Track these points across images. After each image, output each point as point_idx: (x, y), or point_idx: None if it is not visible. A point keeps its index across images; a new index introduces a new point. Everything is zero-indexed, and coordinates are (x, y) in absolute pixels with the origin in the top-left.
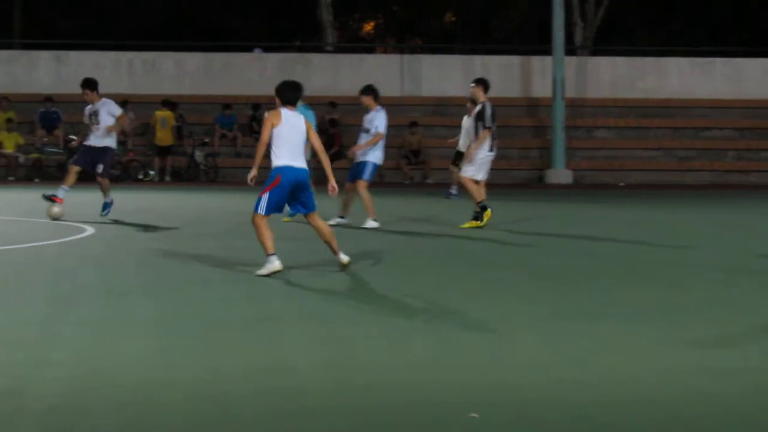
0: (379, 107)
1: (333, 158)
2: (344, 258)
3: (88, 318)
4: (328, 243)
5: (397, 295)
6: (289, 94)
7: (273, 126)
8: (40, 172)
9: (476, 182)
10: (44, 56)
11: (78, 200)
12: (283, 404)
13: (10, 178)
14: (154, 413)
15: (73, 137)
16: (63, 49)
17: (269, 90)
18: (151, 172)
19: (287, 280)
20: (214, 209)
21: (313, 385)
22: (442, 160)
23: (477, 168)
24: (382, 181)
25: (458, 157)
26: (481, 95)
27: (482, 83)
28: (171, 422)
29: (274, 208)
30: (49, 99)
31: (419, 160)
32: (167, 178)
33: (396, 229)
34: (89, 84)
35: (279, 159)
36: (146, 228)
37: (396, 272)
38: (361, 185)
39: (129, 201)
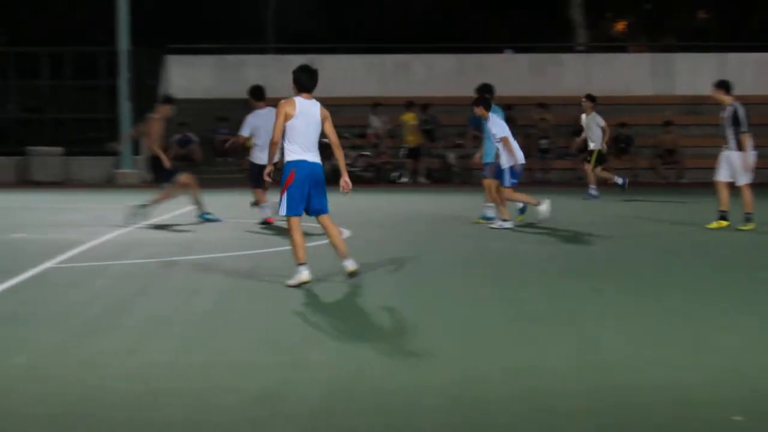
0: (490, 114)
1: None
2: (351, 265)
3: (341, 322)
4: (335, 247)
5: (647, 294)
6: (309, 80)
7: (287, 117)
8: None
9: (729, 185)
10: (297, 60)
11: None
12: (538, 405)
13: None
14: (410, 416)
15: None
16: (315, 53)
17: (521, 91)
18: (393, 174)
19: (544, 281)
20: (467, 210)
21: (567, 386)
22: (697, 159)
23: (747, 173)
24: (636, 181)
25: (590, 156)
26: (725, 98)
27: (723, 86)
28: (428, 426)
29: (297, 207)
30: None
31: (673, 160)
32: (421, 180)
33: (646, 229)
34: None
35: (292, 153)
36: (401, 228)
37: (647, 272)
38: (506, 192)
39: (380, 203)
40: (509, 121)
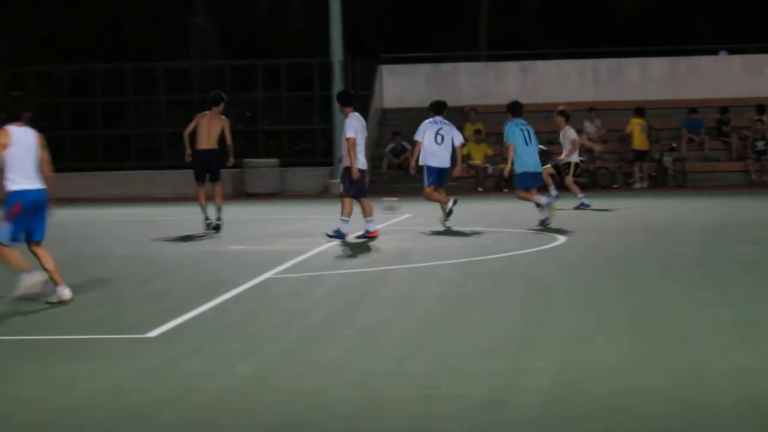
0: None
1: None
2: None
3: (562, 325)
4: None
5: None
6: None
7: (3, 146)
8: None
9: None
10: (511, 67)
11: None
12: (760, 411)
13: (479, 189)
14: (630, 421)
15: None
16: (529, 59)
17: (736, 92)
18: (626, 180)
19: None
20: (686, 215)
21: None
22: None
23: None
24: None
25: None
26: None
27: None
28: (648, 430)
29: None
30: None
31: None
32: (644, 184)
33: None
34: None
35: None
36: (614, 235)
37: None
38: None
39: (598, 208)
40: (722, 123)
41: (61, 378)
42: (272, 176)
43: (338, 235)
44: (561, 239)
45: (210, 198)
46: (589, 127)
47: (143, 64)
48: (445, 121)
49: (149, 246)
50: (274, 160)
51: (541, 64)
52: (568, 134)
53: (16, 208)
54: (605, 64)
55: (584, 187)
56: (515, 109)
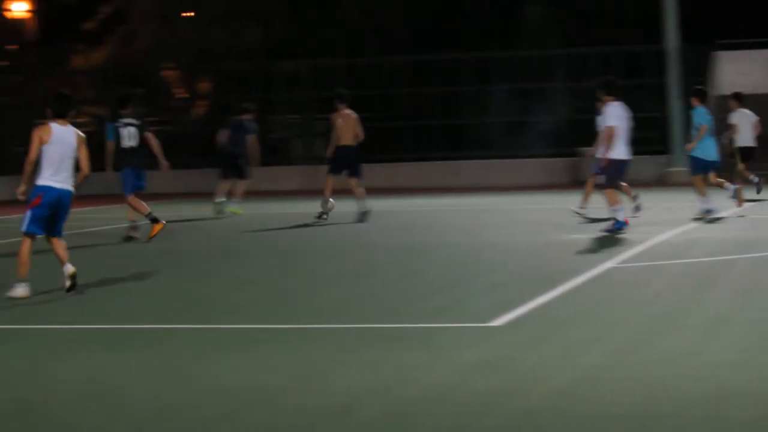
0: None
1: None
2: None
3: None
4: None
5: None
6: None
7: (42, 142)
8: None
9: None
10: None
11: None
12: None
13: None
14: None
15: None
16: None
17: None
18: None
19: None
20: None
21: None
22: None
23: None
24: None
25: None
26: None
27: None
28: None
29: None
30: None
31: None
32: None
33: None
34: None
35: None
36: None
37: None
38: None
39: None
40: None
41: (407, 367)
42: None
43: (618, 225)
44: None
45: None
46: None
47: (479, 53)
48: None
49: (488, 235)
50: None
51: None
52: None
53: (36, 201)
54: None
55: None
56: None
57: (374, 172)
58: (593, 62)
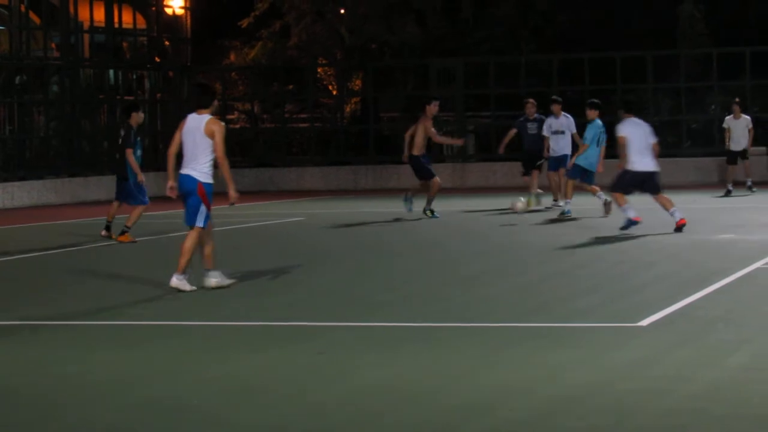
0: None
1: None
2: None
3: None
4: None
5: None
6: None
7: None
8: None
9: None
10: None
11: None
12: None
13: None
14: None
15: None
16: None
17: None
18: None
19: None
20: None
21: None
22: None
23: None
24: None
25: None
26: None
27: None
28: None
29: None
30: None
31: None
32: None
33: None
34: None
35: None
36: None
37: None
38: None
39: None
40: None
41: (553, 366)
42: (760, 164)
43: (628, 224)
44: None
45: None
46: None
47: (631, 52)
48: None
49: (635, 235)
50: (762, 148)
51: None
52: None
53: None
54: None
55: None
56: None
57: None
58: (747, 61)
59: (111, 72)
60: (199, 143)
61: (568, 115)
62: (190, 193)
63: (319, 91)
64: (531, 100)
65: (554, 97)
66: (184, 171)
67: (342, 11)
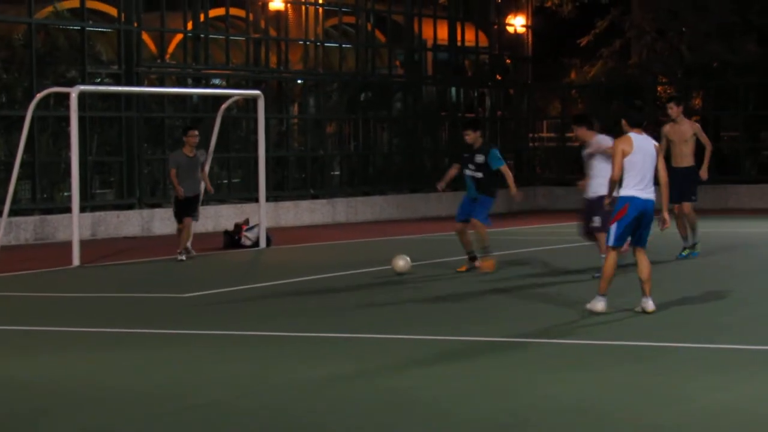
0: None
1: None
2: (650, 305)
3: None
4: (642, 282)
5: None
6: (637, 116)
7: (624, 154)
8: None
9: None
10: None
11: None
12: None
13: None
14: None
15: None
16: None
17: None
18: None
19: None
20: None
21: None
22: None
23: None
24: None
25: None
26: None
27: None
28: None
29: (621, 239)
30: None
31: None
32: None
33: None
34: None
35: (627, 188)
36: None
37: None
38: None
39: None
40: None
41: None
42: None
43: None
44: None
45: None
46: None
47: None
48: None
49: None
50: None
51: None
52: None
53: (621, 212)
54: None
55: None
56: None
57: None
58: None
59: (453, 89)
60: (650, 164)
61: None
62: (652, 217)
63: (657, 110)
64: None
65: None
66: (648, 195)
67: (684, 29)
